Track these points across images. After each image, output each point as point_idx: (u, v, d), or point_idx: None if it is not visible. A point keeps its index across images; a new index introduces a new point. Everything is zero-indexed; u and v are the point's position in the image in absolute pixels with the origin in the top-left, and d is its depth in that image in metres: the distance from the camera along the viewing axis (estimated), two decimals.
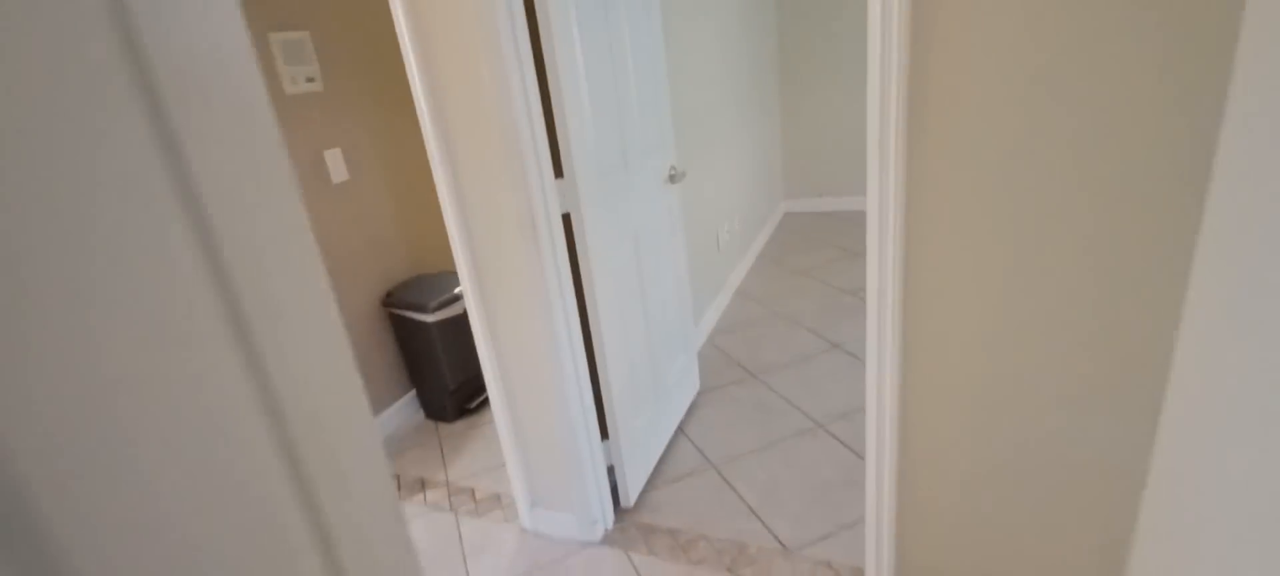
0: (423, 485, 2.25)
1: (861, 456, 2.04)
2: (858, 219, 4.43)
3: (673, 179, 2.09)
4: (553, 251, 1.52)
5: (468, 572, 1.83)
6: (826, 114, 4.50)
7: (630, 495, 1.93)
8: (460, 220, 1.54)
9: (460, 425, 2.60)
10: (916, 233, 1.20)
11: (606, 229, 1.67)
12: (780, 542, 1.75)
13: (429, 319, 2.39)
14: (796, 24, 4.37)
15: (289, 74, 2.18)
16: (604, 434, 1.93)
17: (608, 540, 1.84)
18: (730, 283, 3.43)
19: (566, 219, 1.59)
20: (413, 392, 2.73)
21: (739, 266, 3.62)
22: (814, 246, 4.01)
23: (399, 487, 2.28)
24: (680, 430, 2.31)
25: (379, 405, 2.63)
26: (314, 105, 2.27)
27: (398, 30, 1.40)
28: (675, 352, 2.26)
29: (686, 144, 2.72)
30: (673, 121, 2.53)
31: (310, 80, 2.25)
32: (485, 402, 2.69)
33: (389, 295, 2.53)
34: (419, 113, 1.46)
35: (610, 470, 1.96)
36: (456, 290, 2.43)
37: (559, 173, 1.53)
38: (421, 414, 2.73)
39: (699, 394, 2.53)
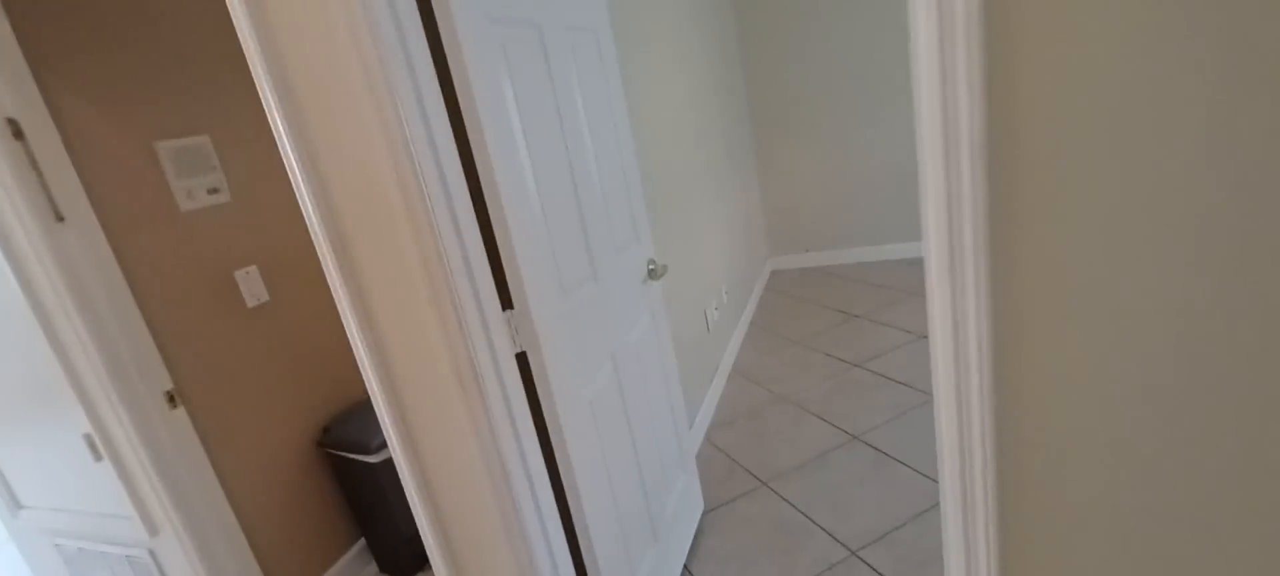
0: None
1: None
2: (847, 274, 4.13)
3: (653, 275, 1.75)
4: (506, 404, 1.14)
5: None
6: (805, 166, 4.25)
7: None
8: (379, 371, 1.16)
9: None
10: (1012, 307, 0.86)
11: (575, 360, 1.31)
12: None
13: (373, 459, 1.98)
14: (765, 75, 4.16)
15: (184, 188, 1.81)
16: None
17: None
18: (723, 364, 3.07)
19: (522, 358, 1.22)
20: (362, 541, 2.29)
21: (731, 342, 3.27)
22: (808, 309, 3.68)
23: None
24: (686, 571, 1.91)
25: (324, 560, 2.19)
26: (219, 219, 1.90)
27: (274, 128, 1.05)
28: (672, 478, 1.87)
29: (664, 220, 2.39)
30: (646, 201, 2.21)
31: (214, 191, 1.89)
32: None
33: (326, 432, 2.12)
34: (314, 237, 1.10)
35: None
36: None
37: (507, 302, 1.17)
38: (373, 565, 2.29)
39: (704, 515, 2.13)
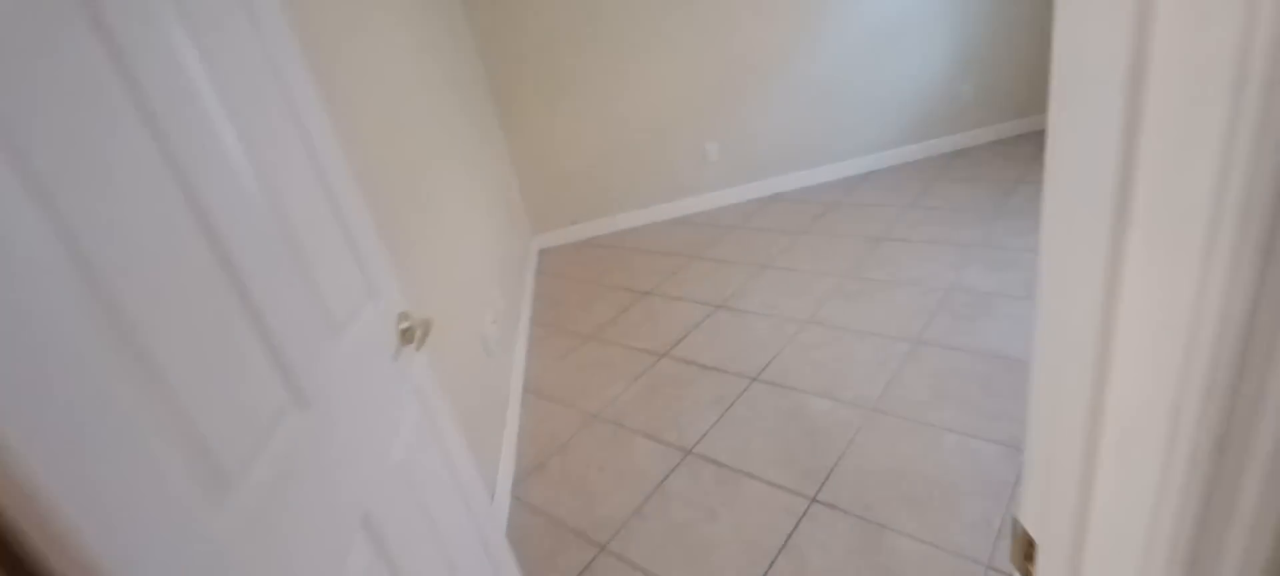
0: None
1: None
2: (620, 243, 3.80)
3: (409, 337, 1.10)
4: None
5: None
6: (562, 132, 3.76)
7: None
8: None
9: None
10: None
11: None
12: None
13: None
14: (499, 32, 3.52)
15: None
16: None
17: None
18: (513, 388, 2.50)
19: None
20: None
21: (516, 354, 2.70)
22: (590, 292, 3.26)
23: None
24: None
25: None
26: None
27: None
28: None
29: (409, 241, 1.70)
30: (379, 225, 1.49)
31: None
32: None
33: None
34: None
35: None
36: None
37: None
38: None
39: None
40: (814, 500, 1.73)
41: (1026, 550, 0.61)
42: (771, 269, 3.09)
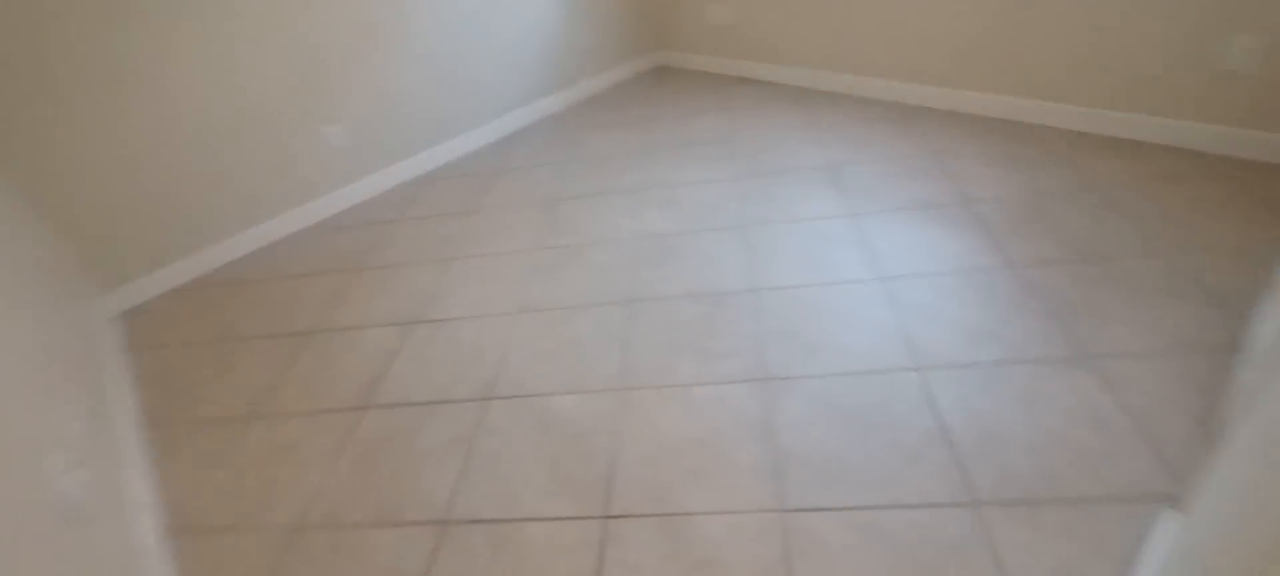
0: None
1: None
2: (248, 270, 2.93)
3: None
4: None
5: None
6: (114, 142, 2.62)
7: None
8: None
9: None
10: None
11: None
12: None
13: None
14: None
15: None
16: None
17: None
18: (144, 543, 1.69)
19: None
20: None
21: (129, 491, 1.84)
22: (225, 352, 2.43)
23: None
24: None
25: None
26: None
27: None
28: None
29: None
30: None
31: None
32: None
33: None
34: None
35: None
36: None
37: None
38: None
39: None
40: (607, 518, 1.56)
41: None
42: (456, 261, 2.73)
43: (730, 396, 1.83)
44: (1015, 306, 1.97)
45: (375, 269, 2.78)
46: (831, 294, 2.15)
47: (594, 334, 2.16)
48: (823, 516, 1.47)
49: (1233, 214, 2.19)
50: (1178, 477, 1.41)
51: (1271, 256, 1.98)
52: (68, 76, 2.44)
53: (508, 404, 1.95)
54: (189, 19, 2.64)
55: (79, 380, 1.98)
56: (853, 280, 2.20)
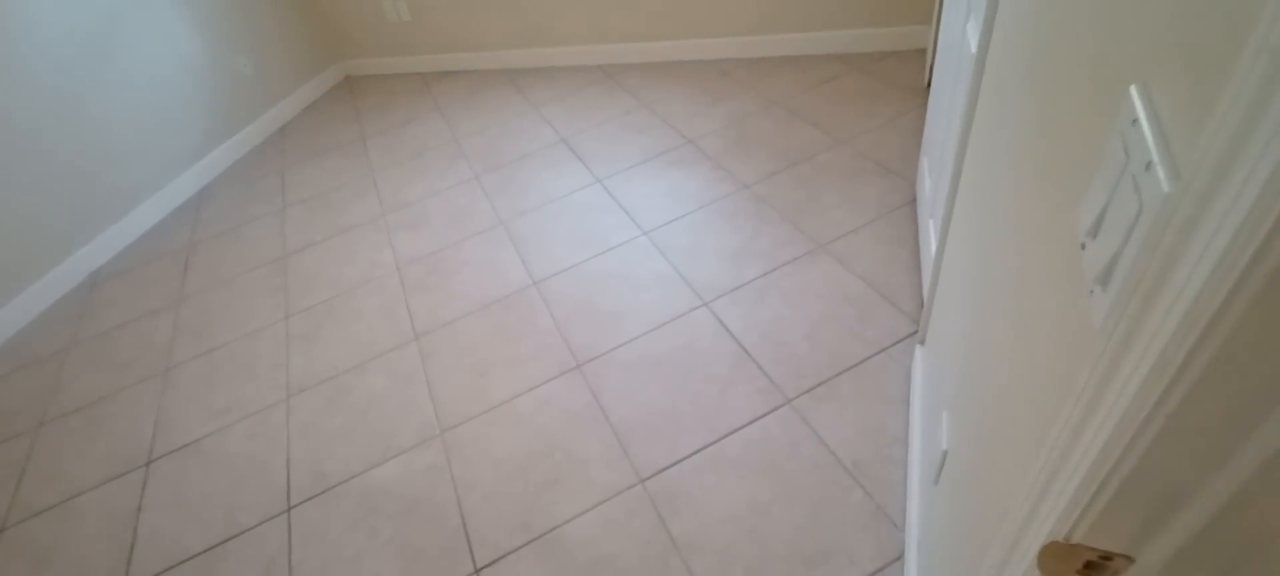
0: None
1: None
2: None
3: None
4: None
5: None
6: None
7: None
8: None
9: None
10: None
11: None
12: None
13: None
14: None
15: None
16: None
17: None
18: None
19: None
20: None
21: None
22: None
23: None
24: None
25: None
26: None
27: None
28: None
29: None
30: None
31: None
32: None
33: None
34: None
35: None
36: None
37: None
38: None
39: None
40: (479, 571, 1.47)
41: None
42: (179, 366, 2.23)
43: (554, 394, 1.82)
44: (757, 220, 2.26)
45: (66, 415, 2.15)
46: (609, 261, 2.24)
47: (390, 387, 1.97)
48: (678, 469, 1.57)
49: (877, 98, 2.76)
50: (914, 318, 1.80)
51: (911, 124, 2.55)
52: None
53: (316, 503, 1.70)
54: None
55: None
56: (622, 241, 2.31)
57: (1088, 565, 0.42)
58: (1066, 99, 0.58)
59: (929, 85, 2.57)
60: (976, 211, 1.01)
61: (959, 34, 1.40)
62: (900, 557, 1.31)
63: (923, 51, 3.02)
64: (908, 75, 2.88)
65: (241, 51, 3.52)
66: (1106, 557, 0.41)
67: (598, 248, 2.31)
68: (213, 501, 1.76)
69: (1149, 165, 0.36)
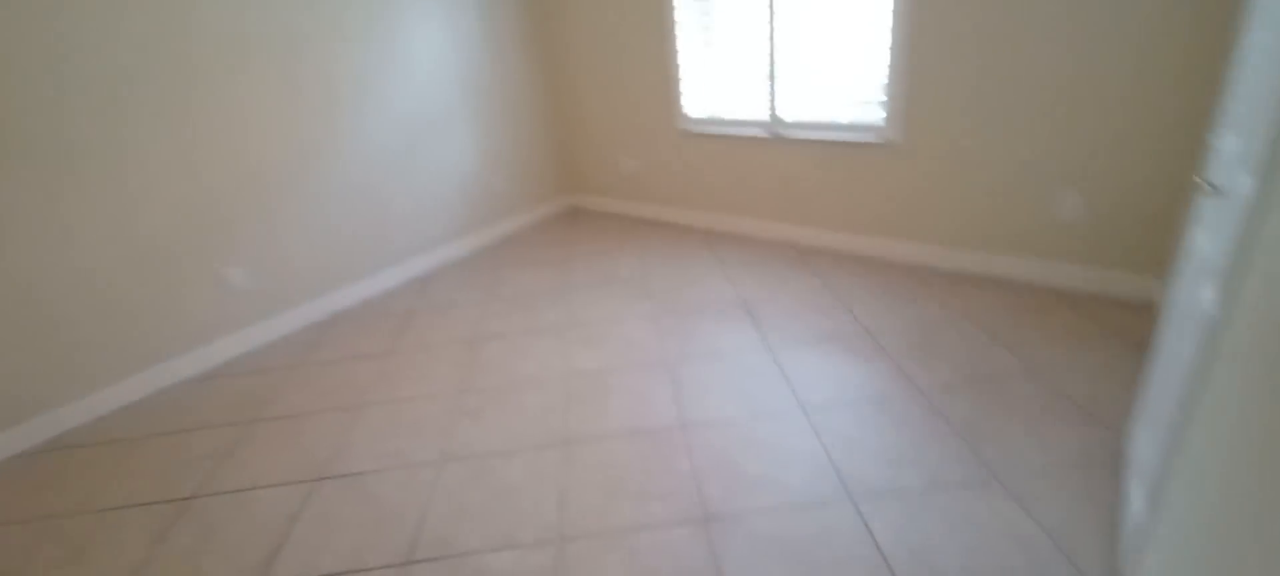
0: None
1: None
2: (124, 427, 2.58)
3: None
4: None
5: None
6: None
7: None
8: None
9: None
10: None
11: None
12: None
13: None
14: None
15: None
16: None
17: None
18: None
19: None
20: None
21: None
22: (82, 527, 2.06)
23: None
24: None
25: None
26: None
27: None
28: None
29: None
30: None
31: None
32: None
33: None
34: None
35: None
36: None
37: None
38: None
39: None
40: None
41: None
42: (368, 406, 2.56)
43: (675, 540, 1.78)
44: (927, 431, 2.10)
45: (273, 419, 2.54)
46: (760, 426, 2.21)
47: (527, 481, 2.06)
48: None
49: (1088, 340, 2.51)
50: None
51: (1129, 377, 2.27)
52: None
53: (434, 567, 1.78)
54: (83, 162, 2.48)
55: None
56: (778, 412, 2.27)
57: None
58: None
59: (1153, 342, 2.29)
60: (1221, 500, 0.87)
61: (1192, 295, 1.27)
62: None
63: (1150, 305, 2.72)
64: (1129, 325, 2.59)
65: (500, 170, 4.25)
66: None
67: (751, 410, 2.29)
68: (352, 532, 1.93)
69: None
